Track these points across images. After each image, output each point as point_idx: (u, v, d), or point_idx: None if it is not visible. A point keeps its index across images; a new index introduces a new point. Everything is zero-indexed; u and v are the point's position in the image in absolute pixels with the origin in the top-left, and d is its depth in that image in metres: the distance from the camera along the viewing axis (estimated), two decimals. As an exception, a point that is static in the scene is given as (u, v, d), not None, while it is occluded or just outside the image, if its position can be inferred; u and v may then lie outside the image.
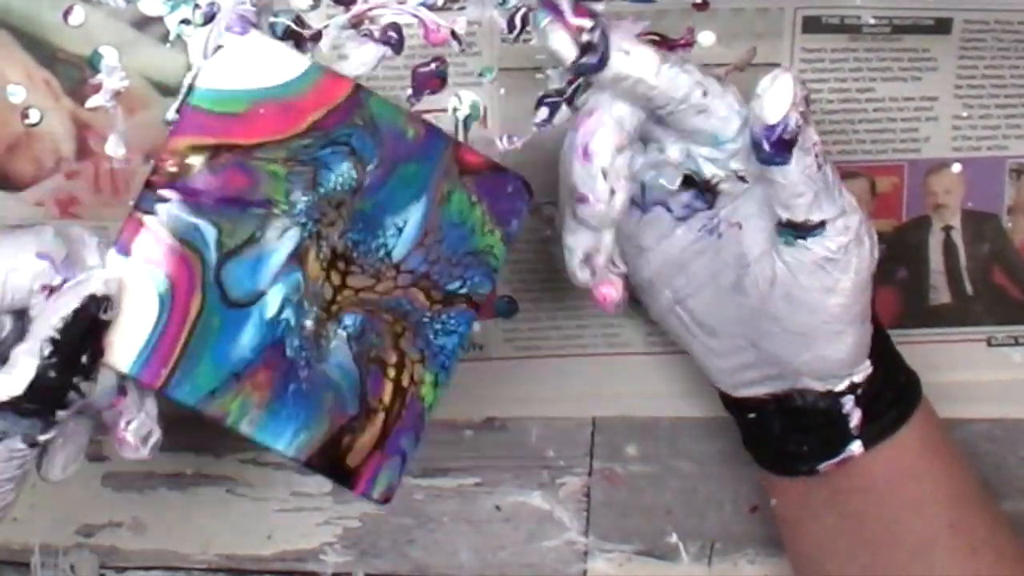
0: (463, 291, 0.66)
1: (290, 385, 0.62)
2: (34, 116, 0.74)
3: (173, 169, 0.62)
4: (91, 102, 0.74)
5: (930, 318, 0.82)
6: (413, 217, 0.64)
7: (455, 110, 0.75)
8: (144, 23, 0.73)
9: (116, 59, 0.73)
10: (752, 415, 0.75)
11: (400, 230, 0.64)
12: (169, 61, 0.73)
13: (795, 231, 0.67)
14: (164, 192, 0.62)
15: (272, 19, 0.73)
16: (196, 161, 0.62)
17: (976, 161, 0.79)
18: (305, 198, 0.63)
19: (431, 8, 0.73)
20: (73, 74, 0.74)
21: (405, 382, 0.64)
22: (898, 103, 0.78)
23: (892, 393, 0.73)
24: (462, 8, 0.74)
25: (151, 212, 0.62)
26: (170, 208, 0.62)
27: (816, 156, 0.65)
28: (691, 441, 0.83)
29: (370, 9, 0.73)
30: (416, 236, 0.65)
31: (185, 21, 0.73)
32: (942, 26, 0.76)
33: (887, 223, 0.80)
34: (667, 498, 0.84)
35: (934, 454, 0.74)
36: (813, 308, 0.69)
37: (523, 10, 0.74)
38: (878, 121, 0.78)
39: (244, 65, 0.64)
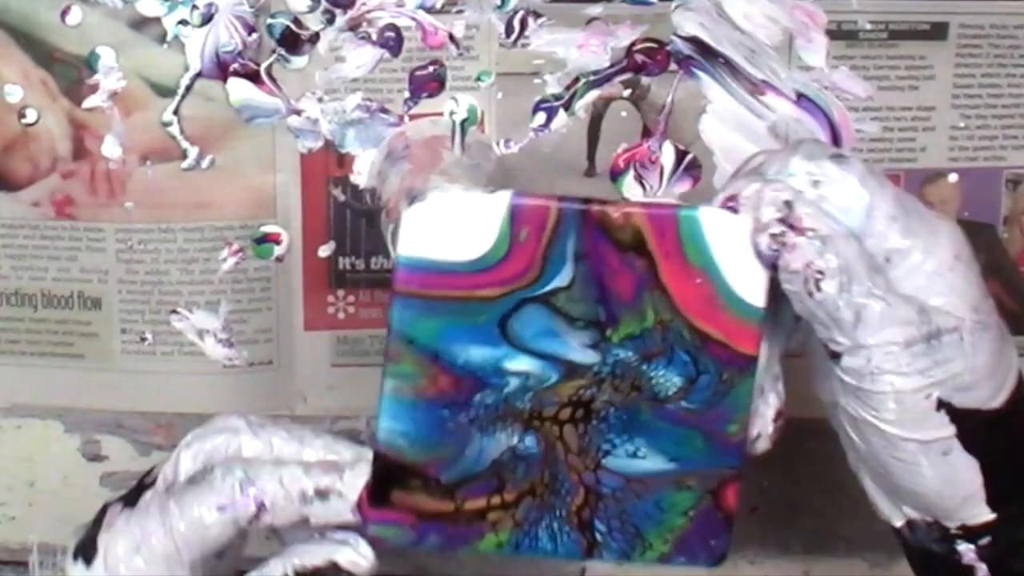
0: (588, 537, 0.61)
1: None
2: (31, 116, 0.74)
3: None
4: (88, 102, 0.74)
5: (925, 328, 0.82)
6: (651, 468, 0.60)
7: (452, 113, 0.75)
8: (141, 23, 0.73)
9: (113, 59, 0.73)
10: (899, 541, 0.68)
11: (632, 456, 0.59)
12: (166, 62, 0.73)
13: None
14: None
15: (270, 20, 0.73)
16: None
17: (973, 171, 0.79)
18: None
19: (429, 11, 0.73)
20: (70, 74, 0.74)
21: (492, 517, 0.59)
22: (895, 112, 0.78)
23: None
24: (460, 11, 0.74)
25: None
26: None
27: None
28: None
29: (368, 11, 0.73)
30: (639, 476, 0.60)
31: (183, 22, 0.73)
32: (938, 31, 0.76)
33: (883, 232, 0.80)
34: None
35: None
36: (866, 438, 0.63)
37: (520, 14, 0.74)
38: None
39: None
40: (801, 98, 0.76)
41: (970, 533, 0.63)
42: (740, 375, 0.59)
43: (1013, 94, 0.78)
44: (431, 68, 0.74)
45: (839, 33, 0.76)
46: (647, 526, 0.59)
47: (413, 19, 0.73)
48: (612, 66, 0.75)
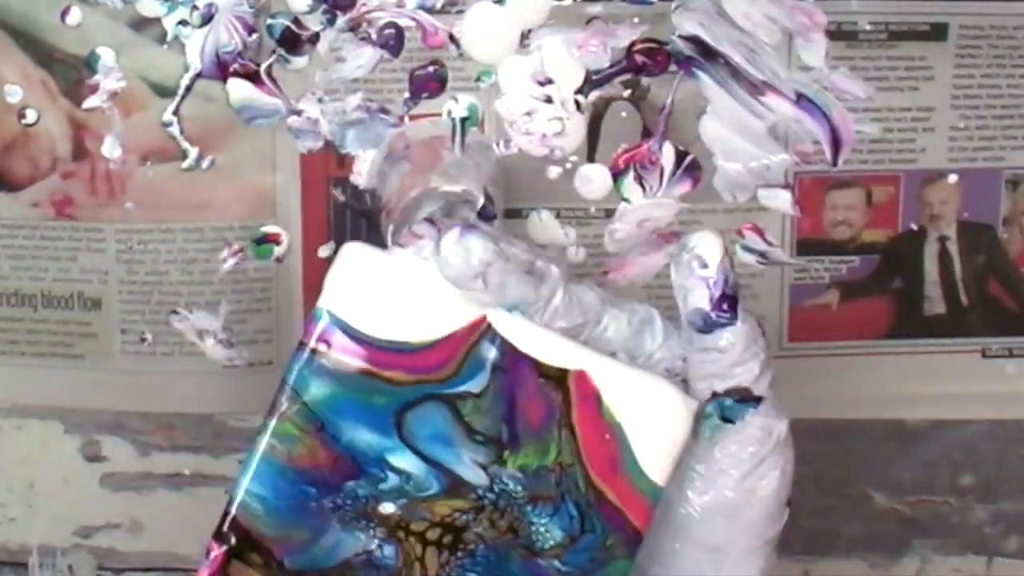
0: None
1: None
2: (31, 116, 0.74)
3: None
4: (88, 103, 0.74)
5: (925, 329, 0.82)
6: None
7: (449, 113, 0.75)
8: (141, 24, 0.73)
9: (113, 60, 0.73)
10: None
11: None
12: (166, 62, 0.73)
13: (724, 409, 0.60)
14: None
15: (269, 21, 0.73)
16: None
17: (972, 172, 0.79)
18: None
19: (429, 11, 0.73)
20: (70, 74, 0.74)
21: None
22: (895, 113, 0.78)
23: None
24: (460, 12, 0.74)
25: None
26: None
27: (758, 322, 0.61)
28: (690, 441, 0.83)
29: (369, 12, 0.73)
30: None
31: (183, 22, 0.73)
32: (938, 32, 0.76)
33: (883, 233, 0.80)
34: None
35: None
36: (733, 511, 0.60)
37: (520, 14, 0.74)
38: (874, 131, 0.78)
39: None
40: (801, 99, 0.76)
41: None
42: (623, 549, 0.56)
43: (1013, 95, 0.78)
44: (431, 68, 0.74)
45: (839, 33, 0.76)
46: None
47: (413, 19, 0.73)
48: (612, 66, 0.75)
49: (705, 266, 0.59)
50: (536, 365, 0.55)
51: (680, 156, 0.77)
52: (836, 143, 0.76)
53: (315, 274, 0.78)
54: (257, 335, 0.78)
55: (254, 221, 0.77)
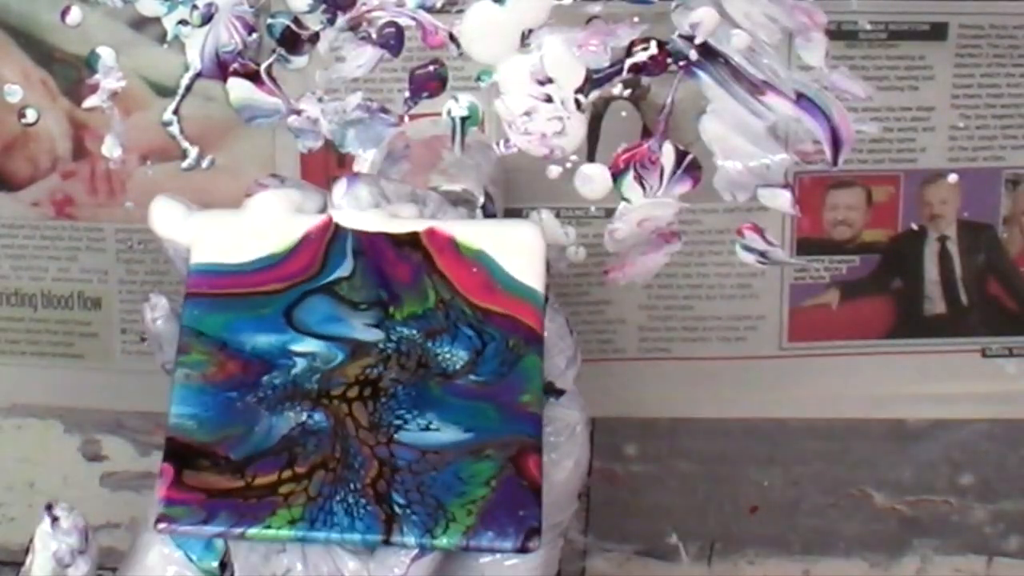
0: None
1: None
2: (31, 116, 0.74)
3: None
4: (88, 102, 0.74)
5: (925, 328, 0.82)
6: (446, 439, 0.59)
7: (448, 112, 0.75)
8: (141, 23, 0.73)
9: (113, 59, 0.73)
10: None
11: (425, 429, 0.58)
12: (166, 62, 0.73)
13: None
14: None
15: (270, 20, 0.73)
16: None
17: (972, 171, 0.79)
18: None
19: (429, 11, 0.73)
20: (70, 74, 0.74)
21: (284, 490, 0.57)
22: (895, 113, 0.78)
23: None
24: (460, 11, 0.74)
25: None
26: None
27: (567, 320, 0.64)
28: (691, 441, 0.83)
29: (369, 11, 0.73)
30: (434, 448, 0.58)
31: (183, 22, 0.73)
32: (938, 32, 0.76)
33: (883, 233, 0.80)
34: (667, 498, 0.84)
35: None
36: None
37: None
38: (874, 130, 0.78)
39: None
40: (801, 98, 0.76)
41: None
42: (526, 347, 0.60)
43: (1013, 94, 0.78)
44: (431, 68, 0.74)
45: (839, 33, 0.76)
46: (447, 497, 0.57)
47: (413, 19, 0.73)
48: (612, 65, 0.75)
49: None
50: (388, 238, 0.61)
51: (680, 156, 0.77)
52: (836, 143, 0.76)
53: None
54: (257, 335, 0.78)
55: (254, 221, 0.77)
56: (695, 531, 0.85)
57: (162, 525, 0.55)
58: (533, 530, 0.56)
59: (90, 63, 0.74)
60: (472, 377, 0.59)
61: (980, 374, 0.82)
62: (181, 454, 0.57)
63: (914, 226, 0.80)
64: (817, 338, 0.81)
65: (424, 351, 0.59)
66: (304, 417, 0.58)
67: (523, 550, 0.56)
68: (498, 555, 0.60)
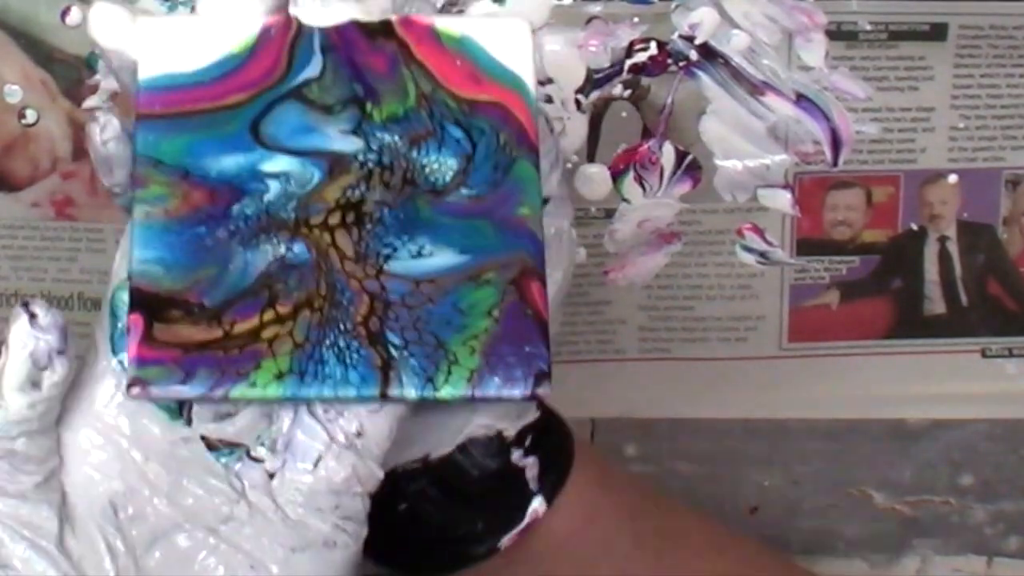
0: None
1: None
2: (31, 116, 0.74)
3: None
4: (88, 103, 0.74)
5: (925, 328, 0.82)
6: (441, 264, 0.53)
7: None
8: (142, 24, 0.73)
9: (113, 60, 0.73)
10: (404, 505, 0.60)
11: (417, 256, 0.53)
12: (166, 62, 0.73)
13: None
14: None
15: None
16: None
17: (972, 172, 0.79)
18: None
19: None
20: (70, 74, 0.74)
21: (267, 335, 0.51)
22: (895, 113, 0.78)
23: (554, 432, 0.62)
24: (460, 12, 0.74)
25: None
26: None
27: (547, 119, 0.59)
28: (691, 441, 0.83)
29: (368, 12, 0.73)
30: (428, 276, 0.53)
31: (183, 22, 0.73)
32: (938, 32, 0.76)
33: (883, 233, 0.80)
34: (667, 498, 0.84)
35: (609, 487, 0.64)
36: None
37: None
38: (874, 131, 0.78)
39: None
40: (801, 99, 0.76)
41: (525, 433, 0.60)
42: (519, 147, 0.54)
43: (1012, 95, 0.78)
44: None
45: (838, 34, 0.76)
46: (447, 333, 0.51)
47: (413, 19, 0.73)
48: (612, 66, 0.75)
49: None
50: (359, 27, 0.54)
51: (680, 156, 0.77)
52: (836, 143, 0.76)
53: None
54: (257, 335, 0.78)
55: (254, 221, 0.77)
56: (695, 531, 0.85)
57: (135, 390, 0.49)
58: (543, 373, 0.50)
59: (90, 63, 0.74)
60: (464, 191, 0.53)
61: (980, 374, 0.83)
62: (149, 305, 0.50)
63: (914, 227, 0.80)
64: (817, 338, 0.81)
65: (409, 162, 0.53)
66: (283, 250, 0.51)
67: (533, 397, 0.50)
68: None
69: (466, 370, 0.50)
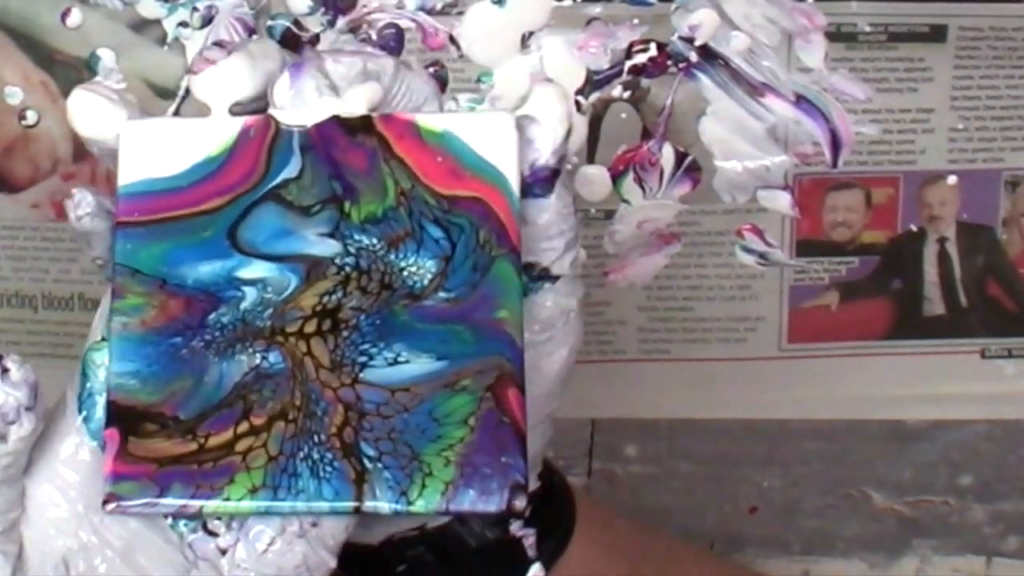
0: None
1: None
2: (31, 117, 0.74)
3: None
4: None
5: (924, 329, 0.82)
6: (417, 371, 0.52)
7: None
8: (142, 25, 0.73)
9: (114, 61, 0.73)
10: (403, 567, 0.60)
11: (393, 363, 0.52)
12: (167, 64, 0.73)
13: (531, 279, 0.57)
14: None
15: (270, 22, 0.73)
16: None
17: (971, 173, 0.80)
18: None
19: (429, 12, 0.73)
20: (71, 76, 0.74)
21: (241, 447, 0.51)
22: (895, 114, 0.78)
23: (556, 497, 0.62)
24: (460, 13, 0.74)
25: None
26: None
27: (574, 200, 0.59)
28: (690, 441, 0.83)
29: (369, 13, 0.73)
30: (404, 384, 0.52)
31: (183, 24, 0.73)
32: (937, 34, 0.76)
33: (882, 234, 0.80)
34: (667, 499, 0.84)
35: (610, 547, 0.64)
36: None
37: (520, 15, 0.74)
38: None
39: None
40: (800, 100, 0.76)
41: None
42: (500, 246, 0.53)
43: (1012, 96, 0.78)
44: (432, 69, 0.74)
45: (838, 35, 0.76)
46: (422, 443, 0.50)
47: (413, 21, 0.73)
48: (612, 67, 0.75)
49: (535, 123, 0.57)
50: (340, 123, 0.54)
51: (680, 157, 0.77)
52: (835, 144, 0.76)
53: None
54: (257, 336, 0.78)
55: (254, 222, 0.77)
56: (695, 531, 0.85)
57: (110, 505, 0.49)
58: (518, 485, 0.49)
59: (90, 65, 0.73)
60: (442, 294, 0.52)
61: (979, 375, 0.83)
62: (125, 418, 0.50)
63: (913, 227, 0.80)
64: (816, 339, 0.82)
65: (387, 266, 0.52)
66: (258, 359, 0.51)
67: (509, 511, 0.49)
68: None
69: (441, 482, 0.49)
